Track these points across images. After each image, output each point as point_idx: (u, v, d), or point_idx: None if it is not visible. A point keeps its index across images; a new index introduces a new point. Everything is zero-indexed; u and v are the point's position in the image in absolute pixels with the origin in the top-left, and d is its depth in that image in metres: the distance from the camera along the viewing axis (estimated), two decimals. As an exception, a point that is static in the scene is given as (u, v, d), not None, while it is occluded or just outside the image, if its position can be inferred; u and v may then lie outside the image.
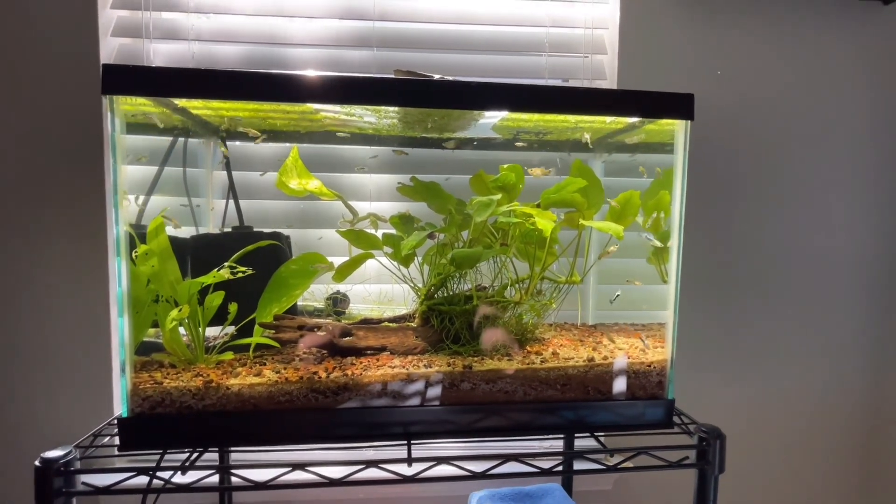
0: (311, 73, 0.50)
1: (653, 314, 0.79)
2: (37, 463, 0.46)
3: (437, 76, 0.56)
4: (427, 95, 0.52)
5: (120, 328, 0.51)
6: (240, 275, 0.57)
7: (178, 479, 0.50)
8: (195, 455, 0.53)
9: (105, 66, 0.47)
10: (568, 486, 0.92)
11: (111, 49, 0.91)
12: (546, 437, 0.95)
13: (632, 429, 0.58)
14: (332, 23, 0.95)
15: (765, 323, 1.02)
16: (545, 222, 0.54)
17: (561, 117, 0.61)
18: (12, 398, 0.90)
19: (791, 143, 1.01)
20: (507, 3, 0.99)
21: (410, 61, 0.98)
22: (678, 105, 0.55)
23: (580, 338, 0.69)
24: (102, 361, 0.91)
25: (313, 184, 0.56)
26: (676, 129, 0.57)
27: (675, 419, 0.61)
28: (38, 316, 0.90)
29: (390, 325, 0.63)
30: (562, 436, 0.91)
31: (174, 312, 0.53)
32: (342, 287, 0.72)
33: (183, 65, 0.89)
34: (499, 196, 0.56)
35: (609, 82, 1.01)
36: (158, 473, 0.49)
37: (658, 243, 0.61)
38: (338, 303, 0.72)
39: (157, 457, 0.53)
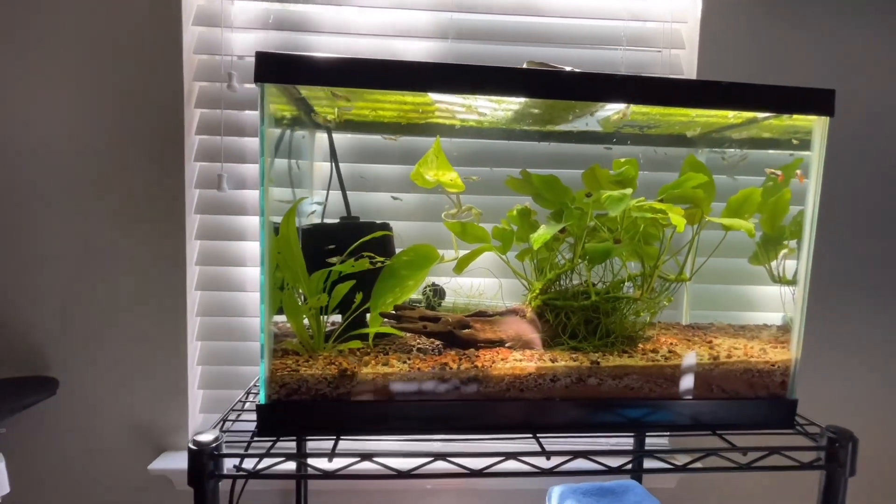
0: (462, 63, 0.49)
1: (748, 315, 0.78)
2: (190, 445, 0.46)
3: (567, 68, 0.55)
4: (575, 87, 0.52)
5: (261, 314, 0.51)
6: (378, 264, 0.57)
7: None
8: (335, 443, 0.53)
9: (259, 53, 0.47)
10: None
11: (191, 37, 0.91)
12: (620, 434, 0.95)
13: (753, 428, 0.58)
14: (410, 14, 0.95)
15: (880, 324, 1.00)
16: (678, 218, 0.53)
17: (680, 111, 0.60)
18: (94, 381, 0.92)
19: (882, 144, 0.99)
20: (585, -3, 0.98)
21: (485, 53, 0.97)
22: (819, 101, 0.54)
23: (686, 337, 0.68)
24: (178, 346, 0.92)
25: (450, 175, 0.56)
26: (814, 125, 0.56)
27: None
28: (122, 299, 0.91)
29: (502, 318, 0.63)
30: (632, 434, 0.91)
31: (313, 300, 0.54)
32: (437, 279, 0.72)
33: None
34: (630, 191, 0.55)
35: (686, 77, 1.00)
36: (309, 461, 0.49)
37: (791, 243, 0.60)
38: (436, 294, 0.72)
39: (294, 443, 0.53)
